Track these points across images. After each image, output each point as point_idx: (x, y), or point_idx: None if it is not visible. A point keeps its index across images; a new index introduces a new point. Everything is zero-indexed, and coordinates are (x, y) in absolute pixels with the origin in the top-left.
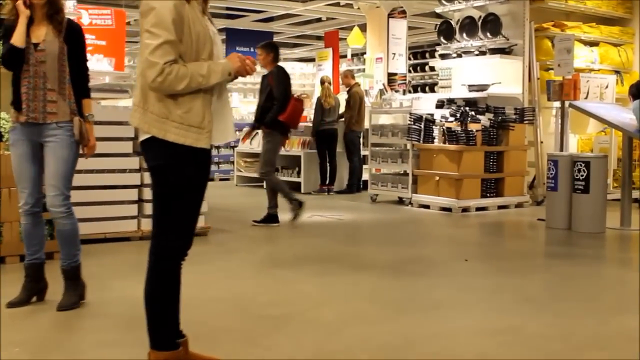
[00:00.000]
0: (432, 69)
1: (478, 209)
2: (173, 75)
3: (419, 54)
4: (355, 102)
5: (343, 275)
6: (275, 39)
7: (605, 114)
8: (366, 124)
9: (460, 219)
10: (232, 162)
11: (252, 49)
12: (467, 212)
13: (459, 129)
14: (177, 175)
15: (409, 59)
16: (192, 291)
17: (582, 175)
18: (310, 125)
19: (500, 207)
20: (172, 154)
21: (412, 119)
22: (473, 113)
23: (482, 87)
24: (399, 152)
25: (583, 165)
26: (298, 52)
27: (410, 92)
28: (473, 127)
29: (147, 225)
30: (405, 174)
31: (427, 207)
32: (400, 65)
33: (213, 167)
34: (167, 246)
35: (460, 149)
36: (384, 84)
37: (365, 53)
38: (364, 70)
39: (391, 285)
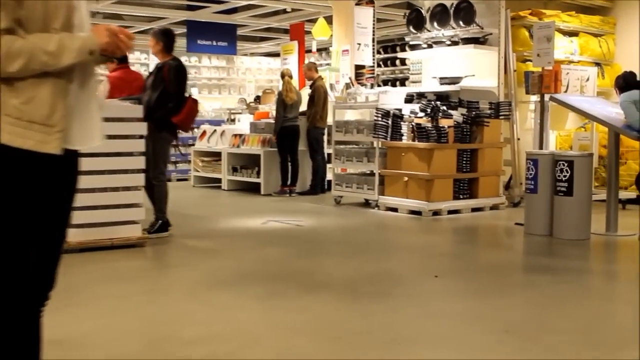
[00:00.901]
0: (403, 62)
1: (450, 212)
2: (3, 52)
3: (389, 48)
4: (320, 96)
5: (291, 299)
6: (240, 32)
7: (590, 107)
8: (330, 120)
9: (431, 224)
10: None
11: (214, 42)
12: (439, 216)
13: (429, 125)
14: (9, 193)
15: (379, 52)
16: (99, 322)
17: (564, 176)
18: (272, 122)
19: (474, 210)
20: (3, 161)
21: (378, 115)
22: (445, 108)
23: (455, 80)
24: (364, 150)
25: (566, 164)
26: (265, 47)
27: (379, 86)
28: (444, 123)
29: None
30: (372, 174)
31: (395, 210)
32: (367, 56)
33: (169, 167)
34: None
35: (431, 146)
36: (350, 78)
37: (331, 46)
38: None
39: (347, 311)
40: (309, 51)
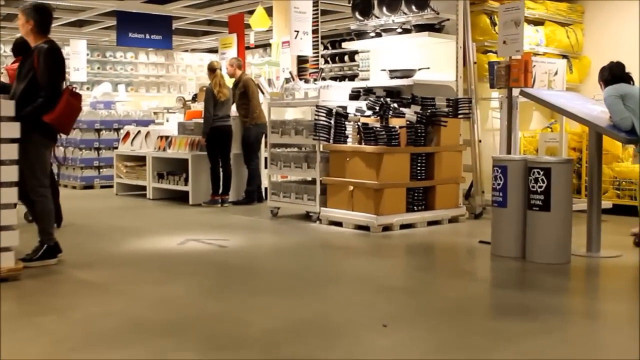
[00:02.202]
0: (353, 59)
1: (403, 227)
2: None
3: (337, 43)
4: (254, 90)
5: None
6: (177, 25)
7: (567, 104)
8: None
9: (381, 242)
10: None
11: (148, 36)
12: (390, 232)
13: (378, 125)
14: None
15: (326, 48)
16: None
17: (540, 187)
18: (200, 121)
19: (430, 223)
20: None
21: (319, 113)
22: (395, 105)
23: (407, 73)
24: (304, 154)
25: (542, 173)
26: (206, 42)
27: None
28: (396, 122)
29: None
30: (313, 182)
31: (340, 224)
32: (306, 46)
33: (92, 173)
34: None
35: (380, 150)
36: (290, 72)
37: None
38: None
39: None
40: (248, 48)
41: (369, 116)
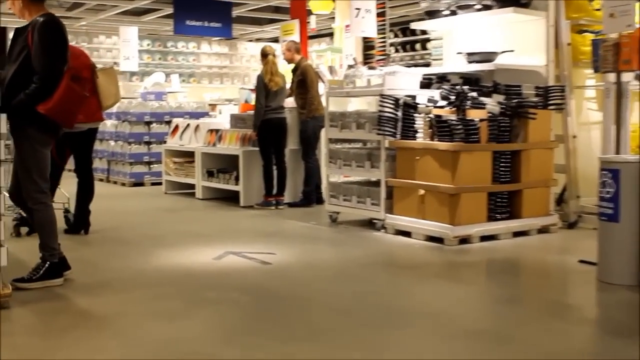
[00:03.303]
0: (424, 46)
1: (483, 239)
2: None
3: (407, 30)
4: (312, 78)
5: None
6: (239, 12)
7: None
8: None
9: (456, 260)
10: None
11: (206, 23)
12: (467, 245)
13: (453, 117)
14: None
15: (396, 36)
16: None
17: None
18: (252, 113)
19: (516, 234)
20: None
21: (384, 104)
22: (475, 94)
23: (488, 57)
24: (367, 151)
25: None
26: (270, 31)
27: None
28: (475, 115)
29: None
30: (377, 183)
31: (408, 234)
32: (369, 26)
33: (142, 169)
34: None
35: (456, 147)
36: (354, 59)
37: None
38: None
39: None
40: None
41: (442, 107)
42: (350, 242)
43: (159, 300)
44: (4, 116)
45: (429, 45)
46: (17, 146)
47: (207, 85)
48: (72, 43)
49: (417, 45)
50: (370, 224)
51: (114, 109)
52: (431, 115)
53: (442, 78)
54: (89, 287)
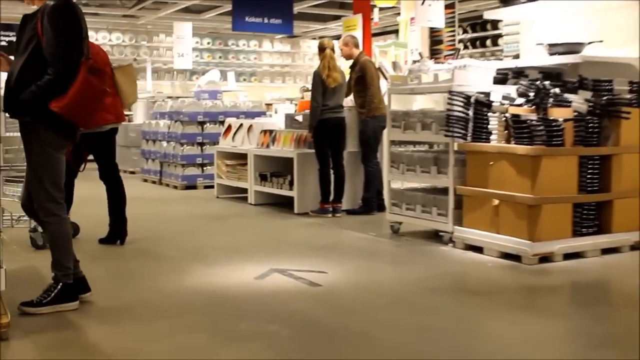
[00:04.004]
0: (496, 42)
1: (567, 256)
2: None
3: (478, 26)
4: (373, 75)
5: None
6: (301, 8)
7: None
8: None
9: (536, 283)
10: None
11: (266, 20)
12: (549, 264)
13: (533, 117)
14: None
15: (465, 32)
16: None
17: None
18: (307, 112)
19: (605, 251)
20: None
21: (453, 101)
22: (557, 91)
23: (572, 48)
24: (433, 155)
25: None
26: (334, 28)
27: None
28: (558, 114)
29: None
30: (444, 191)
31: (480, 250)
32: (436, 16)
33: (195, 171)
34: None
35: (537, 151)
36: (420, 53)
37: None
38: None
39: None
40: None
41: (520, 105)
42: (413, 259)
43: (183, 334)
44: (3, 117)
45: (500, 41)
46: (26, 150)
47: (269, 85)
48: (132, 42)
49: (488, 42)
50: (436, 236)
51: (167, 108)
52: (507, 115)
53: (519, 73)
54: (106, 313)
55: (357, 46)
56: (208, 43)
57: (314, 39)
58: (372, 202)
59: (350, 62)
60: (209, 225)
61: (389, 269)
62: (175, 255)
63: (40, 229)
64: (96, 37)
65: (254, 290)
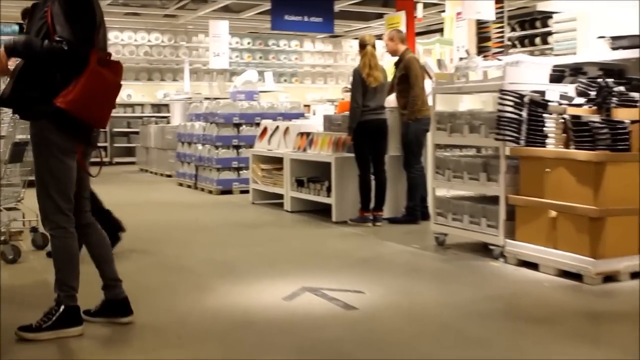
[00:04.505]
0: (545, 41)
1: (635, 276)
2: None
3: (527, 23)
4: (417, 73)
5: None
6: (340, 6)
7: None
8: None
9: (600, 307)
10: None
11: (306, 18)
12: (614, 284)
13: (595, 118)
14: None
15: (513, 29)
16: None
17: None
18: (346, 114)
19: None
20: None
21: (505, 101)
22: (622, 89)
23: (638, 42)
24: (482, 161)
25: None
26: (376, 27)
27: None
28: (624, 115)
29: None
30: (495, 200)
31: (534, 267)
32: (486, 9)
33: (230, 175)
34: None
35: (600, 157)
36: (466, 50)
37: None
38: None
39: None
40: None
41: (580, 105)
42: (460, 277)
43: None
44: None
45: (550, 39)
46: (33, 152)
47: (310, 85)
48: (170, 42)
49: (537, 40)
50: (485, 249)
51: (202, 110)
52: (566, 116)
53: (577, 70)
54: (112, 340)
55: (403, 42)
56: (248, 43)
57: (356, 38)
58: (416, 210)
59: (396, 58)
60: (241, 235)
61: (434, 289)
62: (199, 269)
63: (41, 229)
64: (135, 37)
65: (282, 314)
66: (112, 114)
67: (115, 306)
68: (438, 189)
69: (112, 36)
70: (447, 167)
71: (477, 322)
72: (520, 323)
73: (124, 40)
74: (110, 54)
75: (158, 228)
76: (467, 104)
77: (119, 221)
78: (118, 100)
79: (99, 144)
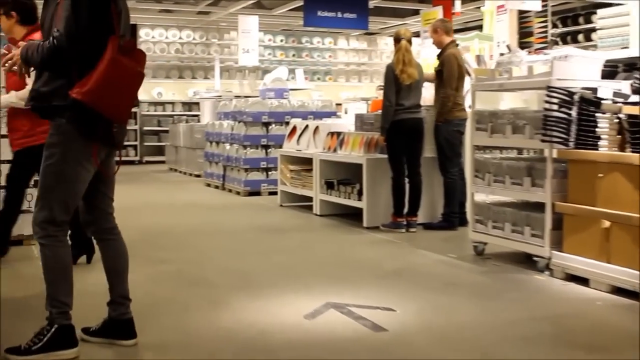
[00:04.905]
0: (589, 37)
1: None
2: None
3: (570, 20)
4: (452, 69)
5: None
6: (375, 2)
7: None
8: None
9: None
10: None
11: (340, 14)
12: None
13: None
14: None
15: (555, 26)
16: None
17: None
18: (379, 113)
19: None
20: None
21: (553, 99)
22: None
23: None
24: (526, 164)
25: None
26: (413, 24)
27: None
28: None
29: None
30: (540, 207)
31: (584, 282)
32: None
33: (259, 176)
34: None
35: None
36: (507, 46)
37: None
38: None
39: None
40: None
41: (637, 104)
42: (501, 292)
43: None
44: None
45: (594, 35)
46: (44, 152)
47: (344, 84)
48: (202, 40)
49: (580, 37)
50: (529, 260)
51: (230, 108)
52: (621, 115)
53: (631, 65)
54: None
55: (448, 33)
56: (281, 41)
57: (391, 36)
58: (452, 217)
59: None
60: (265, 241)
61: (472, 307)
62: (216, 280)
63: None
64: (166, 34)
65: (302, 335)
66: (143, 112)
67: (119, 327)
68: (477, 194)
69: (143, 33)
70: (487, 171)
71: (522, 347)
72: (571, 350)
73: (155, 37)
74: (134, 42)
75: (178, 232)
76: (506, 103)
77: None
78: (149, 98)
79: (126, 142)
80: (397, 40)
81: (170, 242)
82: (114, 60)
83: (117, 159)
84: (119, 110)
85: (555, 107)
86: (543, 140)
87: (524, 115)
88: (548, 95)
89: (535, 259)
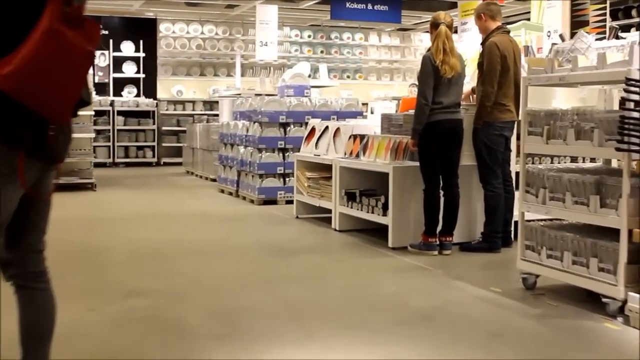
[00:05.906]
0: None
1: None
2: None
3: (622, 12)
4: (494, 65)
5: None
6: None
7: None
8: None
9: None
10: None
11: (370, 6)
12: None
13: None
14: None
15: (615, 16)
16: None
17: None
18: (410, 113)
19: None
20: None
21: (632, 97)
22: None
23: None
24: (594, 179)
25: None
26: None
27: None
28: None
29: None
30: (612, 234)
31: None
32: None
33: (275, 183)
34: None
35: None
36: (560, 35)
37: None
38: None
39: None
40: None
41: None
42: (562, 348)
43: None
44: None
45: None
46: None
47: (375, 82)
48: (225, 35)
49: (632, 30)
50: (594, 300)
51: (246, 107)
52: None
53: None
54: None
55: (494, 18)
56: (309, 36)
57: (426, 31)
58: (495, 237)
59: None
60: (271, 265)
61: None
62: (197, 324)
63: None
64: (187, 29)
65: None
66: (162, 112)
67: None
68: (528, 214)
69: (163, 28)
70: (542, 185)
71: None
72: None
73: (175, 32)
74: (83, 9)
75: (171, 252)
76: (558, 101)
77: None
78: (168, 96)
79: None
80: (435, 25)
81: (157, 266)
82: (52, 32)
83: (55, 177)
84: (57, 104)
85: (633, 105)
86: (618, 149)
87: (591, 117)
88: (626, 91)
89: (604, 300)
